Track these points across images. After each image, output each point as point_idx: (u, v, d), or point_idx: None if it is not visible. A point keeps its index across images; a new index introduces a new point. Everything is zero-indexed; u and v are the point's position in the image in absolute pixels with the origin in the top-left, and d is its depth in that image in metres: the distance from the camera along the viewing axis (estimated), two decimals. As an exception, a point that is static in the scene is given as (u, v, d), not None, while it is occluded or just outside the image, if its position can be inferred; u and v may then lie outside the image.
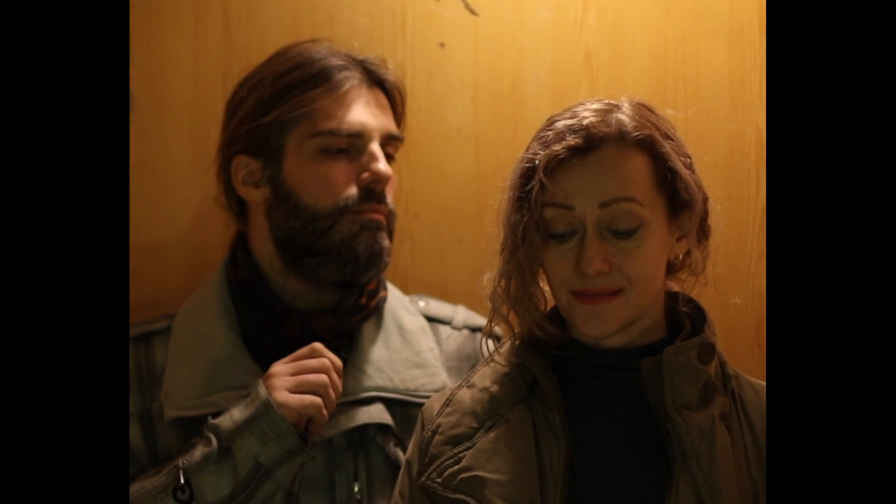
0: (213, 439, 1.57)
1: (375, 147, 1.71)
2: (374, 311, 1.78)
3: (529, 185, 1.38)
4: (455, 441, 1.44)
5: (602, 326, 1.40)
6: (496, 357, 1.49)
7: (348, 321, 1.74)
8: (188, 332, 1.73)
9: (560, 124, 1.40)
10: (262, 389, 1.57)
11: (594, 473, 1.40)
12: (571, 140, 1.38)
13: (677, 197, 1.41)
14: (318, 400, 1.57)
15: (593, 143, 1.38)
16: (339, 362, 1.62)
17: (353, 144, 1.71)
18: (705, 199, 1.45)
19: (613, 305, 1.39)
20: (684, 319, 1.47)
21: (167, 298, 1.87)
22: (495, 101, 1.97)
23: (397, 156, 1.80)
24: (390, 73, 1.79)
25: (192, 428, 1.64)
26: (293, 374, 1.58)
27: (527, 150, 1.43)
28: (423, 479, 1.44)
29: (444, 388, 1.61)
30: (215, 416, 1.60)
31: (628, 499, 1.39)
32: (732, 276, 1.98)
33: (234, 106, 1.79)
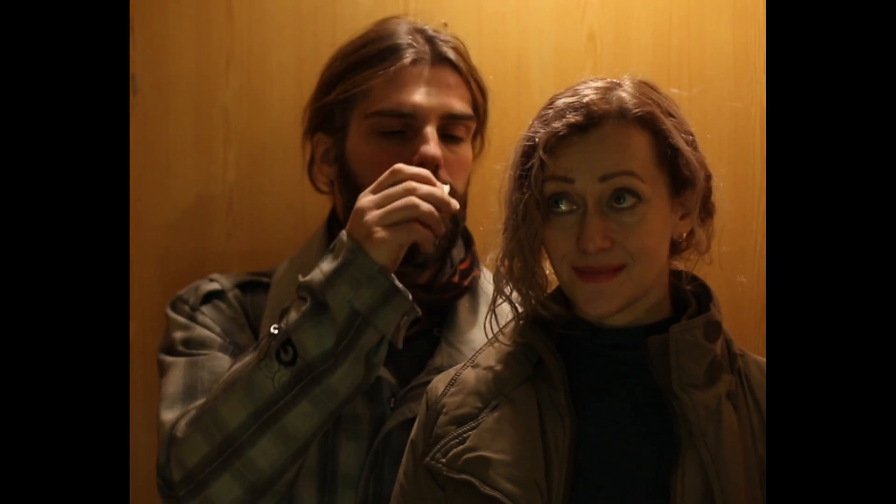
0: (308, 296, 1.50)
1: (429, 129, 1.66)
2: (466, 289, 1.76)
3: (530, 163, 1.38)
4: (459, 421, 1.44)
5: (605, 305, 1.39)
6: (501, 337, 1.49)
7: (440, 298, 1.73)
8: (288, 278, 1.70)
9: (561, 102, 1.40)
10: (343, 235, 1.51)
11: (599, 453, 1.39)
12: (572, 117, 1.38)
13: (679, 174, 1.40)
14: (413, 225, 1.49)
15: (593, 120, 1.38)
16: (425, 173, 1.53)
17: (408, 125, 1.67)
18: (708, 177, 1.44)
19: (615, 283, 1.38)
20: (689, 298, 1.47)
21: (170, 281, 1.87)
22: (499, 81, 1.96)
23: None
24: (455, 50, 1.74)
25: None
26: (379, 207, 1.50)
27: (528, 128, 1.42)
28: (428, 459, 1.43)
29: None
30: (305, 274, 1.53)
31: (634, 478, 1.38)
32: (738, 254, 1.97)
33: (318, 82, 1.78)
